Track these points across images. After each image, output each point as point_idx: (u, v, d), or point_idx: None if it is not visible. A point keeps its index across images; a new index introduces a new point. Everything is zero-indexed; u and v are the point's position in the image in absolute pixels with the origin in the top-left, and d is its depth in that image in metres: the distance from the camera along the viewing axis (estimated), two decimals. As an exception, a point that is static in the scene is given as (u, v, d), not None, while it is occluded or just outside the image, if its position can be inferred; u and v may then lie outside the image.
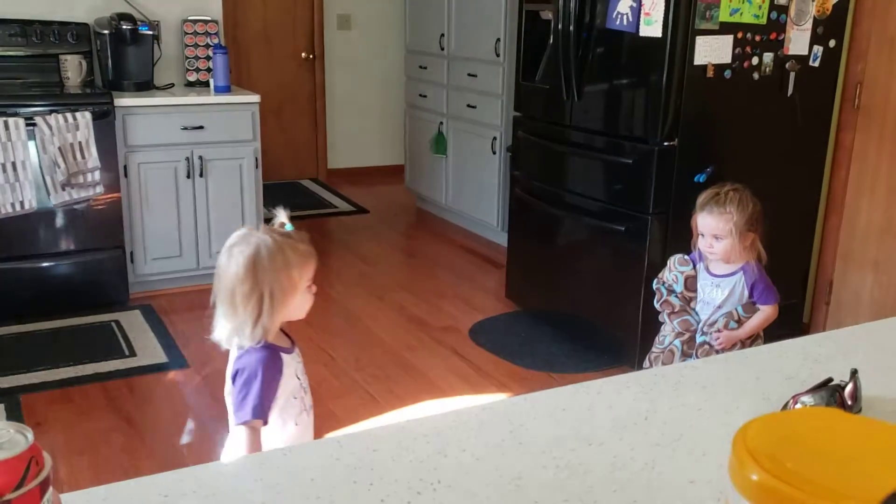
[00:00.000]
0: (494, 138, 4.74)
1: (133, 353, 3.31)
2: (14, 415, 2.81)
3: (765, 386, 1.16)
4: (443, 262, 4.70)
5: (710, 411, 1.08)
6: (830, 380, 1.07)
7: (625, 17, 2.97)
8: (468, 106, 4.96)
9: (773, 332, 3.44)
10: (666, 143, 2.95)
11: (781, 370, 1.22)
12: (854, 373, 1.06)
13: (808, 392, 1.03)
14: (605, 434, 1.00)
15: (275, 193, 5.67)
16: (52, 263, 3.62)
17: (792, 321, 3.52)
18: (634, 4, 2.92)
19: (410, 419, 1.02)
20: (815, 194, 3.41)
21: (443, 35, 5.12)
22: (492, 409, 1.06)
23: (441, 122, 5.25)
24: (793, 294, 3.49)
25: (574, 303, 3.48)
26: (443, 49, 5.14)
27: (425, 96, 5.41)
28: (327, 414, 2.92)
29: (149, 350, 3.34)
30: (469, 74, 4.91)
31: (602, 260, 3.28)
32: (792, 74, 3.08)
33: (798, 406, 1.02)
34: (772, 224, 3.30)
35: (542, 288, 3.69)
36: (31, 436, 0.65)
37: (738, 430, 0.58)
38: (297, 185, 6.34)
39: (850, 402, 1.04)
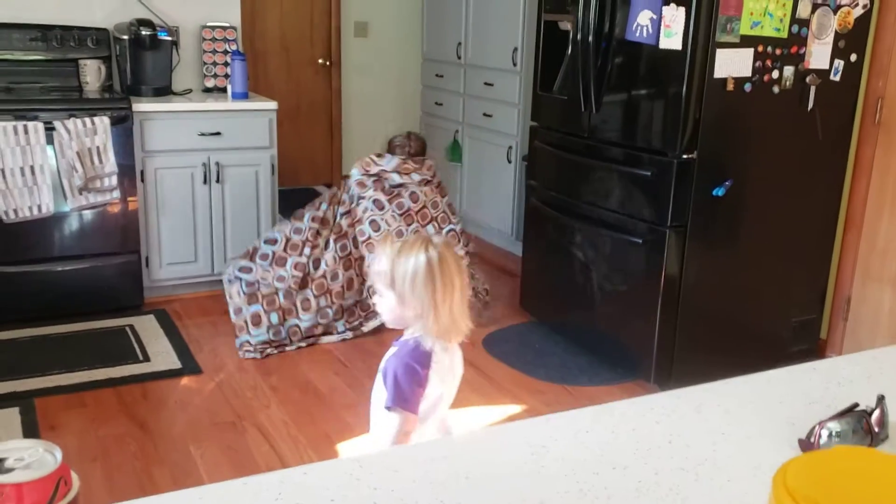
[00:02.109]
0: (510, 147, 4.74)
1: (147, 359, 3.32)
2: (28, 418, 2.82)
3: (788, 410, 1.14)
4: (456, 271, 4.68)
5: (733, 435, 1.06)
6: (856, 405, 1.05)
7: (645, 29, 2.96)
8: (484, 114, 4.96)
9: (791, 349, 3.42)
10: (685, 156, 2.93)
11: (804, 394, 1.20)
12: (881, 399, 1.04)
13: (834, 418, 1.02)
14: (628, 458, 0.98)
15: (290, 199, 5.68)
16: (67, 267, 3.63)
17: (809, 337, 3.49)
18: (654, 17, 2.91)
19: (431, 439, 1.01)
20: (834, 209, 3.38)
21: (460, 44, 5.12)
22: (513, 430, 1.05)
23: (457, 131, 5.25)
24: (810, 309, 3.46)
25: (589, 315, 3.46)
26: (459, 58, 5.15)
27: (441, 104, 5.42)
28: (340, 423, 2.91)
29: (162, 355, 3.35)
30: (485, 83, 4.91)
31: (618, 272, 3.26)
32: (812, 88, 3.06)
33: (824, 432, 1.00)
34: (790, 238, 3.29)
35: (557, 299, 3.67)
36: (59, 455, 0.65)
37: (778, 470, 0.57)
38: (312, 190, 6.35)
39: (877, 429, 1.02)
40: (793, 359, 3.41)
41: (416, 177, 3.63)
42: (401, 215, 3.56)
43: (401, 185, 3.58)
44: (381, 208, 3.56)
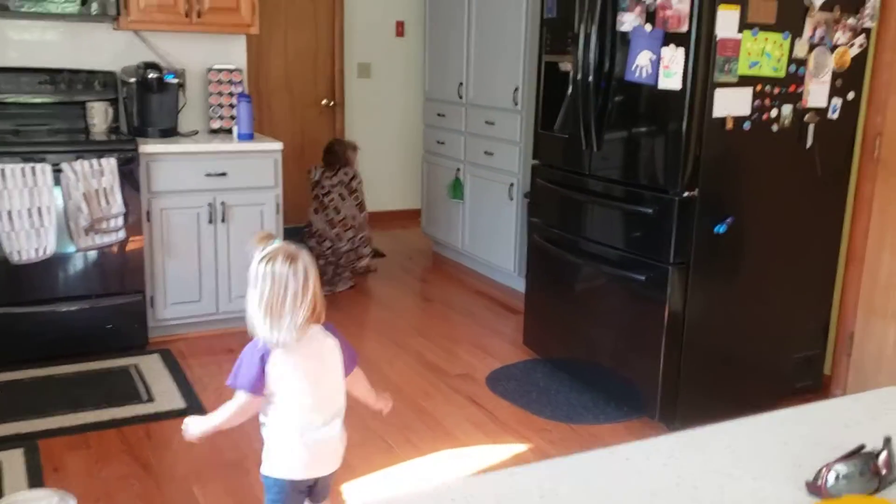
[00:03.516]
0: (511, 184, 4.77)
1: (151, 399, 3.31)
2: (32, 460, 2.81)
3: (794, 451, 1.15)
4: (459, 308, 4.70)
5: (740, 477, 1.07)
6: (863, 447, 1.05)
7: (644, 69, 3.00)
8: (485, 153, 5.01)
9: (795, 384, 3.41)
10: (686, 194, 2.96)
11: (810, 435, 1.21)
12: (887, 441, 1.05)
13: (840, 460, 1.02)
14: (635, 501, 0.99)
15: (293, 237, 5.72)
16: (72, 308, 3.65)
17: (813, 373, 3.48)
18: (654, 57, 2.96)
19: (441, 483, 1.02)
20: (836, 245, 3.40)
21: (461, 84, 5.19)
22: (521, 473, 1.05)
23: (458, 168, 5.30)
24: (814, 345, 3.46)
25: (593, 352, 3.46)
26: (461, 97, 5.21)
27: (443, 143, 5.47)
28: (343, 463, 2.89)
29: (167, 395, 3.35)
30: (487, 122, 4.97)
31: (621, 309, 3.27)
32: (811, 126, 3.10)
33: (831, 474, 1.01)
34: (792, 274, 3.30)
35: (560, 336, 3.68)
36: (73, 505, 0.66)
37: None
38: (314, 228, 6.37)
39: (884, 472, 1.02)
40: (797, 394, 3.42)
41: (335, 180, 4.94)
42: (327, 222, 4.92)
43: (328, 192, 4.95)
44: (316, 213, 5.00)
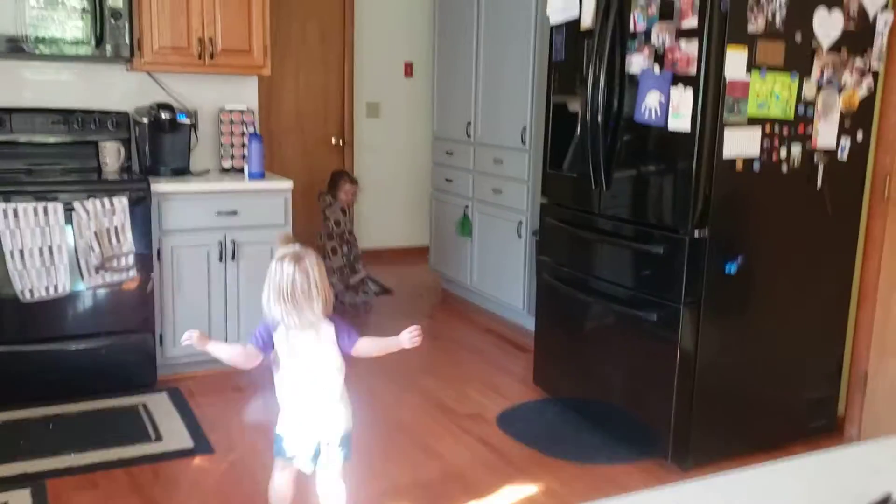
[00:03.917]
0: (520, 222, 4.79)
1: (159, 438, 3.29)
2: (40, 500, 2.78)
3: (817, 500, 1.13)
4: (468, 346, 4.68)
5: (764, 527, 1.05)
6: (889, 496, 1.04)
7: (653, 111, 3.02)
8: (494, 190, 5.03)
9: (809, 424, 3.38)
10: (696, 233, 2.96)
11: (834, 483, 1.19)
12: (913, 490, 1.03)
13: (866, 510, 1.01)
14: (659, 552, 0.97)
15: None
16: (81, 346, 3.64)
17: (827, 412, 3.45)
18: (662, 99, 2.98)
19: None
20: (847, 284, 3.39)
21: (469, 123, 5.24)
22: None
23: (467, 206, 5.32)
24: (827, 385, 3.43)
25: (604, 391, 3.44)
26: (469, 136, 5.25)
27: (451, 181, 5.50)
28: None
29: (175, 435, 3.32)
30: (495, 160, 5.00)
31: (632, 348, 3.25)
32: (820, 167, 3.11)
33: (857, 524, 0.99)
34: (804, 314, 3.28)
35: (571, 375, 3.65)
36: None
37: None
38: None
39: (911, 522, 1.01)
40: (811, 435, 3.38)
41: (331, 199, 5.50)
42: (326, 234, 5.46)
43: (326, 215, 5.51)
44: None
